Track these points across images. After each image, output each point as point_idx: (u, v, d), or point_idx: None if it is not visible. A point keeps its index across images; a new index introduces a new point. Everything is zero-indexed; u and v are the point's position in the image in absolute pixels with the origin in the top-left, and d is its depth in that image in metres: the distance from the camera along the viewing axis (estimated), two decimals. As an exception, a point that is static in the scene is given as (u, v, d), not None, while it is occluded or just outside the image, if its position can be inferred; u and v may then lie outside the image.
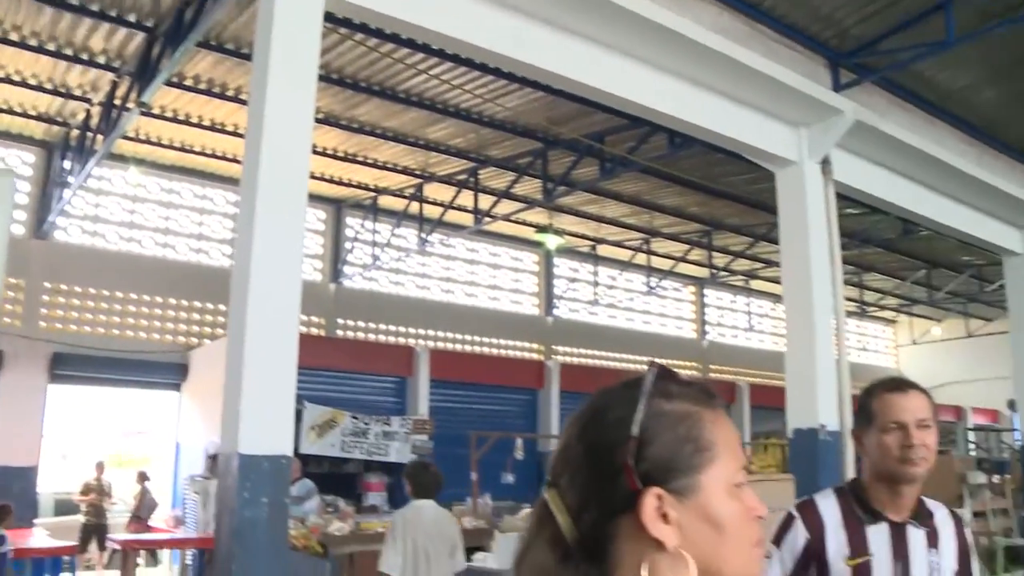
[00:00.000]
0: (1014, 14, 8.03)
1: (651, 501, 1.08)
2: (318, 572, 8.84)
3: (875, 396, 2.51)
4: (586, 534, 1.10)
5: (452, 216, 15.99)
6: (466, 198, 15.20)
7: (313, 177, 14.23)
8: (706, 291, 23.80)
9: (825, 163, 8.34)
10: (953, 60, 9.17)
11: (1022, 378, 11.87)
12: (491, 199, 15.02)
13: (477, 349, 19.06)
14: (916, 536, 2.46)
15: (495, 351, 19.31)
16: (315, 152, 13.09)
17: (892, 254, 18.80)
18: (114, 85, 11.23)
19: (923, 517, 2.49)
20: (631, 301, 21.94)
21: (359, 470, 14.76)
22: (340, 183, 15.72)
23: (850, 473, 7.76)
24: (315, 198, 16.27)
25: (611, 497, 1.09)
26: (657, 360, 1.17)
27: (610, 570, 1.10)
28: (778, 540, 2.54)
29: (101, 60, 10.94)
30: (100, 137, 11.42)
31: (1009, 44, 8.90)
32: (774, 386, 17.30)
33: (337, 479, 14.00)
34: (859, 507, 2.49)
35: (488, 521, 10.74)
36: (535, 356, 19.76)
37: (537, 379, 17.97)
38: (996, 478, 13.42)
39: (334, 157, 14.06)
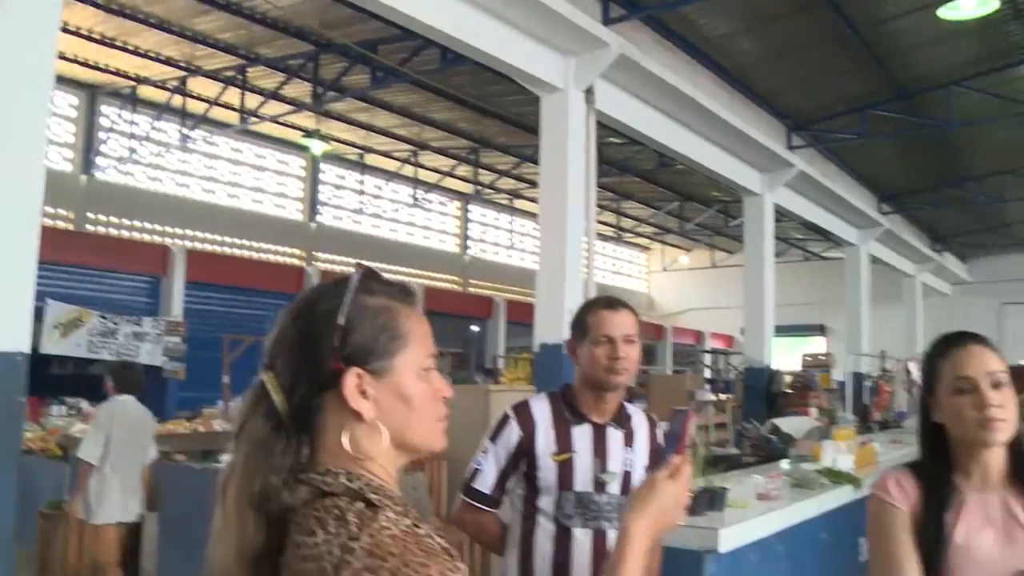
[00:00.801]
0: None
1: (352, 379, 1.27)
2: (57, 475, 8.55)
3: (590, 312, 2.76)
4: (297, 408, 1.27)
5: (217, 113, 15.37)
6: (232, 96, 14.60)
7: (64, 58, 13.28)
8: (471, 207, 24.16)
9: (589, 92, 8.63)
10: (717, 7, 9.70)
11: (752, 308, 12.92)
12: (258, 99, 14.54)
13: (237, 252, 18.55)
14: (615, 436, 2.76)
15: (255, 255, 18.87)
16: (67, 31, 12.21)
17: (649, 184, 19.76)
18: None
19: (622, 420, 2.79)
20: (396, 212, 21.97)
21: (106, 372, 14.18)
22: (96, 68, 14.63)
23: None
24: (66, 81, 15.14)
25: (319, 376, 1.27)
26: (366, 263, 1.39)
27: (317, 438, 1.28)
28: (495, 437, 2.77)
29: None
30: None
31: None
32: (530, 303, 17.96)
33: (82, 381, 13.43)
34: (568, 410, 2.76)
35: (239, 425, 10.64)
36: (296, 262, 19.50)
37: (296, 284, 17.75)
38: (722, 396, 14.65)
39: (89, 39, 13.08)
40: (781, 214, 14.10)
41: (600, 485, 2.72)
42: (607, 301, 2.85)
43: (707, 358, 26.01)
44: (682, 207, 22.18)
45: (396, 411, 1.30)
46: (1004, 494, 2.05)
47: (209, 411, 11.86)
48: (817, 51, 11.46)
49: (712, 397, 12.87)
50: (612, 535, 2.72)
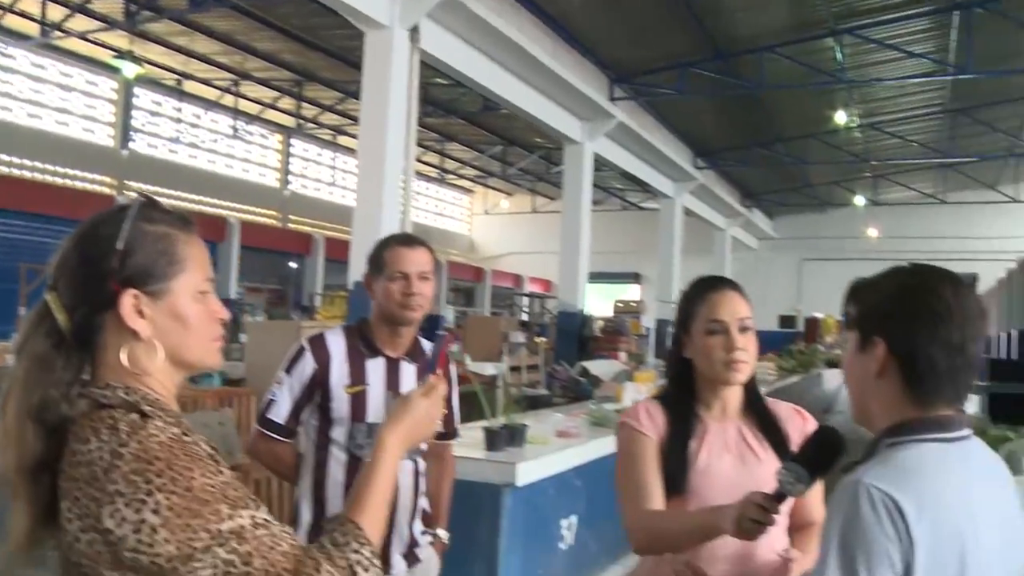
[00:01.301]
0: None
1: (129, 300, 1.36)
2: None
3: (386, 248, 2.79)
4: (78, 326, 1.36)
5: (13, 22, 14.33)
6: (31, 4, 13.64)
7: None
8: (293, 141, 23.60)
9: (414, 31, 8.55)
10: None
11: (567, 254, 13.23)
12: (63, 11, 13.66)
13: (38, 176, 17.44)
14: (408, 370, 2.81)
15: (59, 180, 17.75)
16: None
17: (473, 127, 19.82)
18: None
19: (416, 354, 2.84)
20: (215, 143, 21.21)
21: None
22: None
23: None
24: None
25: (98, 297, 1.36)
26: (145, 193, 1.44)
27: (98, 355, 1.38)
28: (289, 369, 2.77)
29: None
30: None
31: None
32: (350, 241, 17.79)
33: None
34: (363, 343, 2.79)
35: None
36: (106, 191, 18.53)
37: (105, 213, 16.91)
38: (537, 339, 14.99)
39: None
40: (601, 163, 14.44)
41: None
42: (403, 238, 2.88)
43: (524, 301, 26.49)
44: (505, 151, 22.39)
45: (172, 330, 1.40)
46: (739, 424, 2.25)
47: (2, 344, 11.24)
48: (642, 5, 11.74)
49: (524, 339, 13.14)
50: (401, 465, 2.78)
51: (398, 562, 2.80)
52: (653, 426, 2.21)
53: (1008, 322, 21.83)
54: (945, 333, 1.45)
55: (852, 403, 1.60)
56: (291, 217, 23.21)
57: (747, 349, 2.18)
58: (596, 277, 15.66)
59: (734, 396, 2.25)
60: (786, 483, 1.72)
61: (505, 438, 4.74)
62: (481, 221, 31.53)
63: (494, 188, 29.19)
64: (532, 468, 4.67)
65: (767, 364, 15.20)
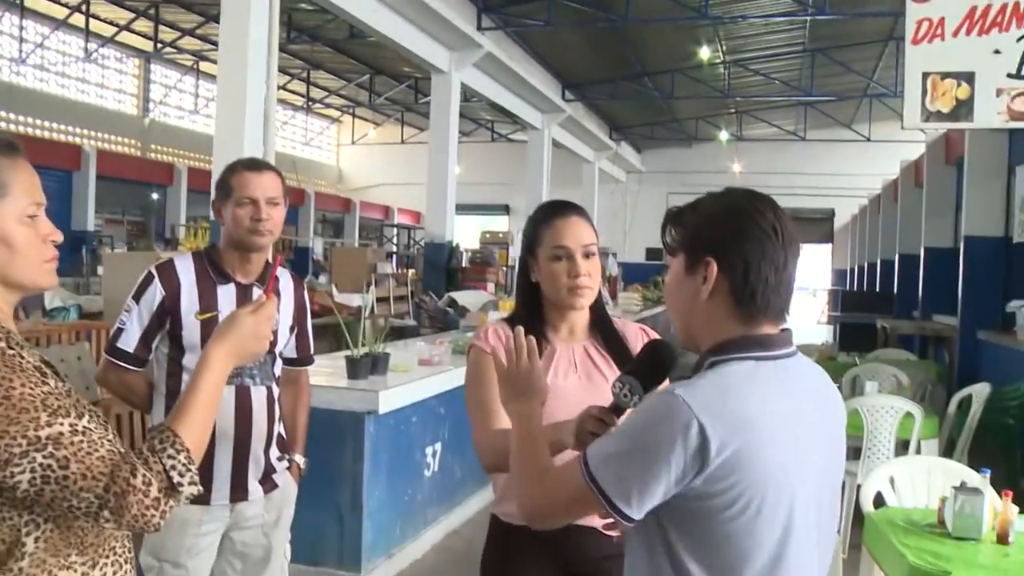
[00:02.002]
0: None
1: None
2: None
3: (234, 173, 2.74)
4: None
5: None
6: None
7: None
8: (152, 67, 22.64)
9: (274, -48, 8.28)
10: None
11: (435, 184, 13.14)
12: None
13: None
14: (258, 296, 2.79)
15: None
16: None
17: (340, 55, 19.40)
18: None
19: (267, 281, 2.82)
20: (66, 66, 20.15)
21: None
22: None
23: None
24: None
25: None
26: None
27: None
28: (138, 296, 2.71)
29: None
30: None
31: None
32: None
33: None
34: (213, 270, 2.75)
35: None
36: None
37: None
38: (406, 271, 14.98)
39: None
40: (470, 94, 14.35)
41: None
42: (250, 162, 2.82)
43: (393, 233, 26.33)
44: (373, 80, 22.01)
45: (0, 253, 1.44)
46: (586, 343, 2.31)
47: None
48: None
49: (391, 271, 13.10)
50: (255, 391, 2.77)
51: (255, 488, 2.81)
52: (501, 347, 2.25)
53: (859, 255, 22.98)
54: (772, 251, 1.50)
55: (679, 328, 1.64)
56: (152, 146, 22.36)
57: (591, 275, 2.22)
58: (466, 209, 15.65)
59: (581, 318, 2.31)
60: (620, 395, 1.78)
61: (367, 367, 4.76)
62: (349, 152, 31.03)
63: (362, 118, 28.70)
64: (394, 396, 4.71)
65: (634, 295, 15.64)
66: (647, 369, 1.80)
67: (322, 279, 14.42)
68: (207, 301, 2.70)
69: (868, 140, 23.62)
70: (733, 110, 24.11)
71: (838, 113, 23.24)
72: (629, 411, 1.80)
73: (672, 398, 1.42)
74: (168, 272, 2.72)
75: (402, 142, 28.24)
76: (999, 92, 5.41)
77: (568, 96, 19.15)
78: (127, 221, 21.19)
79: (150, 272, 2.73)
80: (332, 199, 27.28)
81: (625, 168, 27.45)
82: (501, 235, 16.74)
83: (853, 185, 24.18)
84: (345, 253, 15.45)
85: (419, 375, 5.20)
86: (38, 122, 18.83)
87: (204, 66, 21.91)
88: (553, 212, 2.27)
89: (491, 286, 12.66)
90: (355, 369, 4.71)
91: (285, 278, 2.92)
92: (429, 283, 12.50)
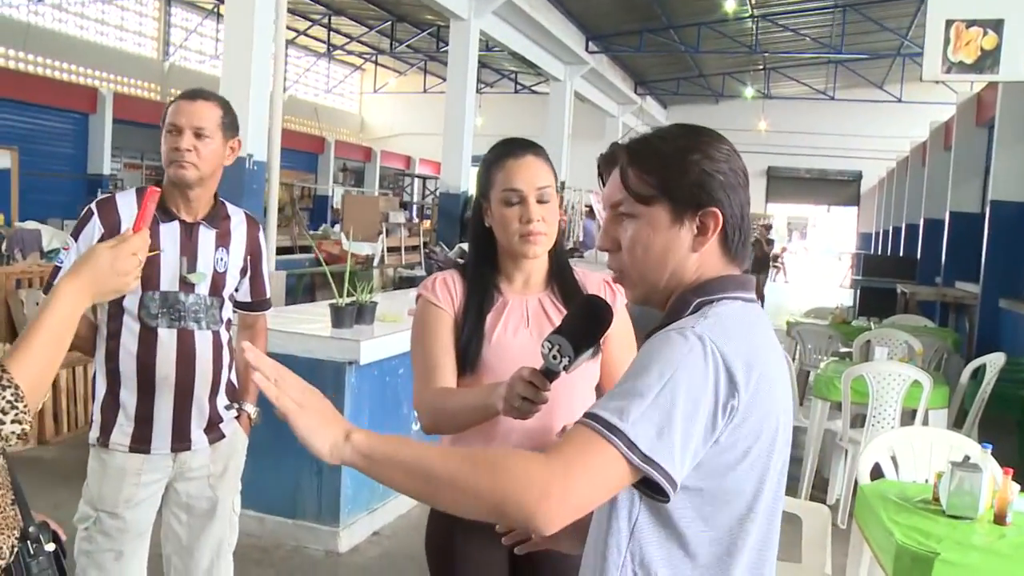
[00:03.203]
0: None
1: None
2: None
3: (173, 103, 2.60)
4: None
5: None
6: None
7: None
8: (172, 9, 22.37)
9: None
10: None
11: (451, 134, 12.92)
12: None
13: None
14: (206, 235, 2.62)
15: None
16: None
17: (362, 1, 19.08)
18: None
19: (217, 219, 2.65)
20: (84, 6, 19.89)
21: None
22: None
23: (273, 200, 8.06)
24: None
25: None
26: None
27: None
28: (76, 233, 2.59)
29: None
30: None
31: None
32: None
33: None
34: (156, 207, 2.57)
35: None
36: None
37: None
38: (419, 220, 14.82)
39: None
40: (492, 44, 14.05)
41: (188, 285, 2.58)
42: (190, 91, 2.63)
43: (410, 182, 26.11)
44: (394, 27, 21.65)
45: None
46: (542, 295, 2.12)
47: None
48: None
49: (403, 220, 12.95)
50: (200, 336, 2.62)
51: (199, 437, 2.67)
52: (449, 298, 2.07)
53: (885, 219, 22.61)
54: (744, 194, 1.42)
55: (644, 283, 1.43)
56: (172, 90, 22.13)
57: (545, 220, 2.02)
58: (485, 160, 15.30)
59: (538, 268, 2.11)
60: (549, 356, 1.59)
61: (351, 315, 4.60)
62: (372, 100, 30.73)
63: (384, 66, 28.35)
64: (378, 346, 4.55)
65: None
66: (580, 327, 1.61)
67: (337, 228, 14.31)
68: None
69: (899, 101, 23.05)
70: (761, 66, 23.59)
71: (869, 72, 22.67)
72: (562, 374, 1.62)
73: (690, 334, 1.27)
74: (108, 208, 2.56)
75: (424, 91, 27.90)
76: (1028, 43, 5.11)
77: (592, 48, 18.74)
78: (146, 166, 21.09)
79: (90, 208, 2.59)
80: (353, 148, 27.04)
81: (650, 123, 27.00)
82: (517, 187, 16.51)
83: (882, 147, 23.70)
84: (358, 201, 15.29)
85: (407, 325, 5.02)
86: (55, 63, 18.61)
87: (224, 9, 21.57)
88: (507, 152, 2.06)
89: (505, 238, 12.49)
90: (339, 317, 4.55)
91: (238, 217, 2.75)
92: (443, 234, 12.34)
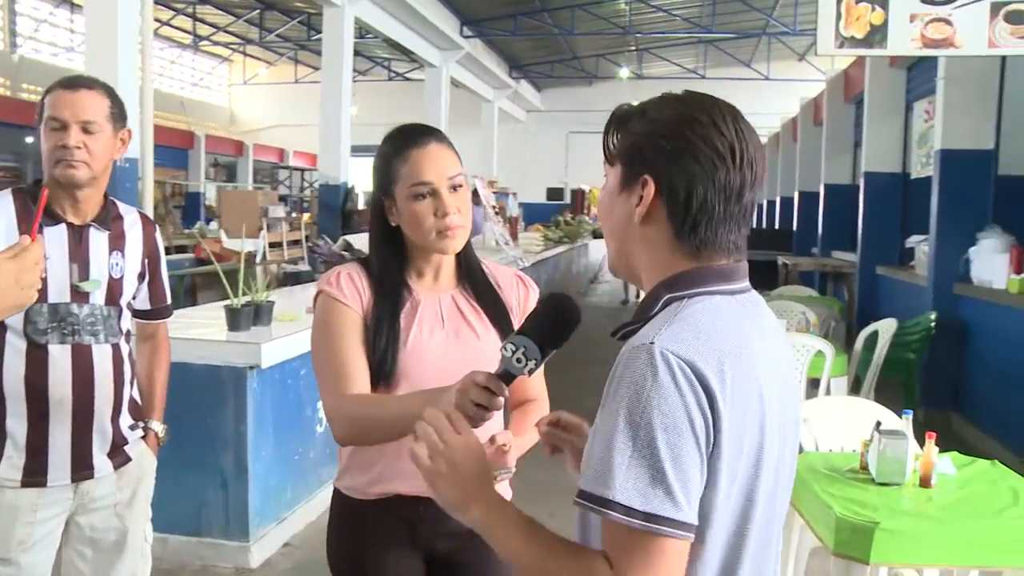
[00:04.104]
0: None
1: None
2: None
3: (51, 93, 2.33)
4: None
5: None
6: None
7: None
8: None
9: None
10: None
11: (328, 124, 12.60)
12: None
13: None
14: (98, 239, 2.39)
15: None
16: None
17: (227, -12, 18.53)
18: None
19: (108, 220, 2.42)
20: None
21: None
22: None
23: (148, 199, 7.69)
24: None
25: None
26: None
27: None
28: None
29: None
30: None
31: None
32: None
33: None
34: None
35: None
36: None
37: None
38: (296, 214, 14.46)
39: None
40: (365, 30, 13.77)
41: (80, 295, 2.34)
42: (70, 79, 2.38)
43: (287, 175, 25.56)
44: (263, 16, 21.08)
45: None
46: (454, 292, 1.98)
47: None
48: None
49: (283, 214, 12.59)
50: (98, 350, 2.38)
51: (102, 463, 2.43)
52: (356, 295, 1.88)
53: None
54: (724, 175, 1.25)
55: (609, 249, 1.37)
56: (24, 85, 21.01)
57: (461, 211, 1.87)
58: (362, 150, 15.01)
59: (447, 262, 1.96)
60: (512, 360, 1.47)
61: (248, 317, 4.37)
62: (241, 92, 29.91)
63: (253, 56, 27.61)
64: (279, 347, 4.34)
65: (535, 235, 15.42)
66: (546, 329, 1.49)
67: (213, 225, 13.82)
68: None
69: (767, 79, 23.65)
70: (634, 47, 23.88)
71: (738, 52, 23.20)
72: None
73: (655, 352, 1.14)
74: None
75: (296, 82, 27.32)
76: (912, 18, 5.21)
77: (466, 32, 18.63)
78: (1, 167, 19.97)
79: None
80: (224, 142, 26.24)
81: (525, 107, 27.09)
82: (399, 176, 16.31)
83: (753, 124, 24.24)
84: (235, 196, 14.81)
85: (307, 324, 4.81)
86: None
87: None
88: (407, 142, 1.89)
89: (389, 229, 12.26)
90: (235, 320, 4.32)
91: (131, 217, 2.51)
92: (324, 227, 12.03)
